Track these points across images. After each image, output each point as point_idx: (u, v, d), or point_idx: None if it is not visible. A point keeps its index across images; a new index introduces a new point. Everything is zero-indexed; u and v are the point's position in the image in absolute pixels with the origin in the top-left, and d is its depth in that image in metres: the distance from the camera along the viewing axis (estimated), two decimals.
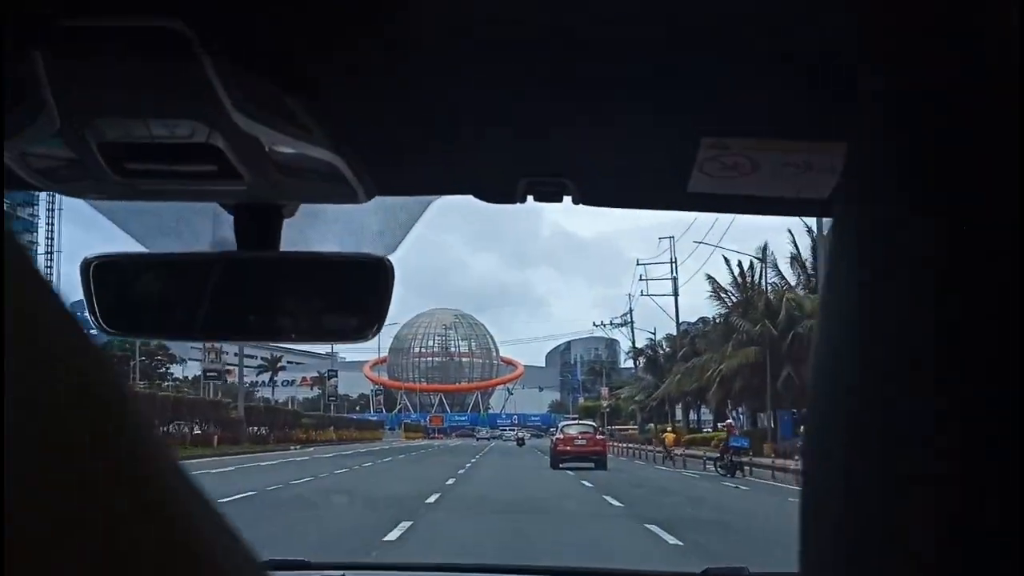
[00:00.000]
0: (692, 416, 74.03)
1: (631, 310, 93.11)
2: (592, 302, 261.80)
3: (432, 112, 0.97)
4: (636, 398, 74.69)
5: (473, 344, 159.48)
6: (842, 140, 0.85)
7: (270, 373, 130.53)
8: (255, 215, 1.13)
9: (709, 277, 49.57)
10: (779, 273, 46.62)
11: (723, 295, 49.31)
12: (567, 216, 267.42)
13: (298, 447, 60.37)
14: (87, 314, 1.08)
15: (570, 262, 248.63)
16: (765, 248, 45.85)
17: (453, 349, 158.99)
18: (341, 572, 1.98)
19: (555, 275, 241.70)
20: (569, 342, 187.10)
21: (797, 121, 0.97)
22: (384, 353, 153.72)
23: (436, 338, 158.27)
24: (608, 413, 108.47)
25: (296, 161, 0.96)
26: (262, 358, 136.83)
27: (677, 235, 75.08)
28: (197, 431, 51.06)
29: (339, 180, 1.00)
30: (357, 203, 1.05)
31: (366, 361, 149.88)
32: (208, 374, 60.27)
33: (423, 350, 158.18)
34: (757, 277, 47.93)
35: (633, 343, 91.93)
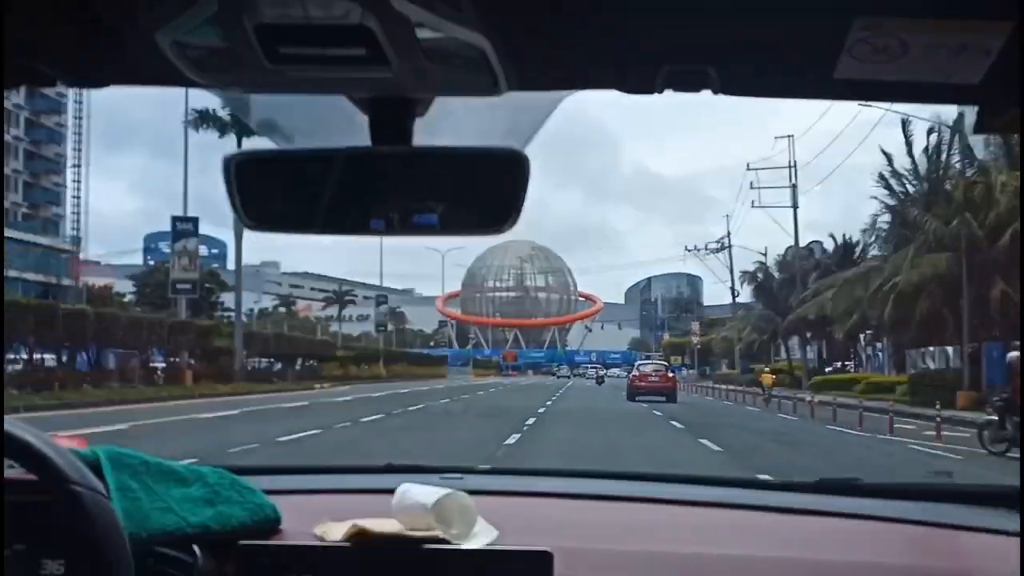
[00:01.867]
0: (809, 354, 60.05)
1: (728, 234, 78.95)
2: (673, 240, 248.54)
3: None
4: (742, 334, 60.56)
5: (550, 278, 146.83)
6: (1003, 19, 0.89)
7: (337, 306, 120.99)
8: (391, 108, 1.11)
9: (884, 152, 34.75)
10: (971, 154, 32.12)
11: (896, 181, 34.54)
12: (649, 153, 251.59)
13: (327, 385, 48.07)
14: (231, 209, 1.14)
15: (650, 200, 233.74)
16: (961, 117, 31.04)
17: (529, 283, 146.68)
18: (460, 475, 1.94)
19: (634, 213, 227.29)
20: (650, 278, 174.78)
21: (953, 2, 0.92)
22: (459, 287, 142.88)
23: (511, 271, 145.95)
24: (699, 351, 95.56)
25: (444, 46, 0.93)
26: (331, 291, 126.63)
27: (760, 174, 60.06)
28: (161, 364, 38.77)
29: (482, 68, 0.97)
30: (497, 94, 1.04)
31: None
32: (179, 286, 44.85)
33: (497, 284, 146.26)
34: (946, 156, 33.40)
35: (731, 270, 77.78)
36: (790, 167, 54.90)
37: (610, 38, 0.99)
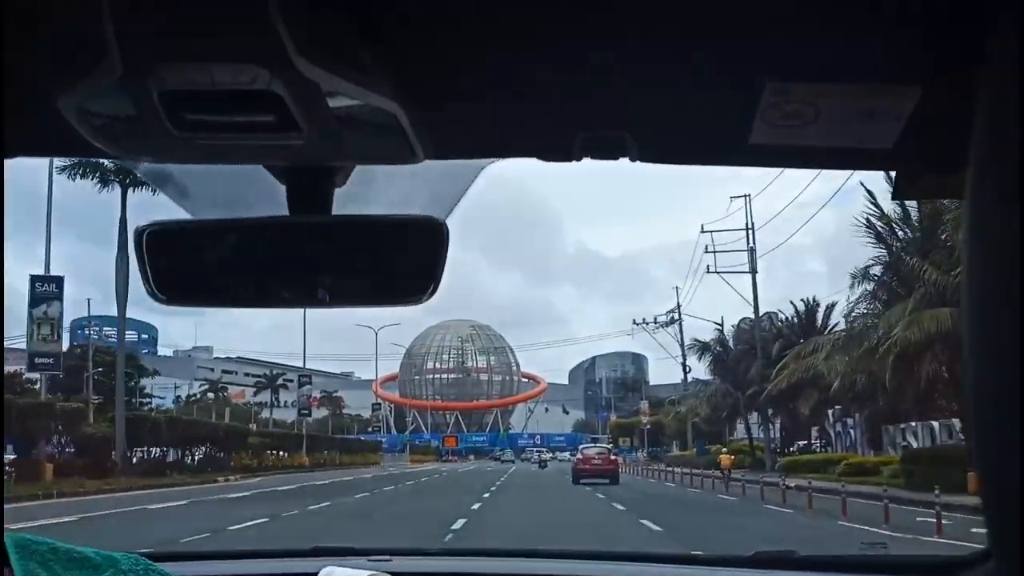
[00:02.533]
0: (768, 431, 54.90)
1: (679, 306, 74.24)
2: (616, 319, 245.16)
3: (491, 62, 0.93)
4: (699, 411, 55.11)
5: (492, 358, 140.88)
6: (913, 84, 0.91)
7: (269, 391, 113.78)
8: (308, 178, 1.10)
9: (868, 192, 29.64)
10: None
11: (885, 227, 29.52)
12: (590, 233, 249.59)
13: (234, 478, 41.31)
14: (141, 281, 1.12)
15: (592, 279, 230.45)
16: None
17: (470, 363, 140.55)
18: (388, 557, 1.93)
19: (576, 292, 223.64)
20: (594, 358, 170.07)
21: (863, 64, 0.92)
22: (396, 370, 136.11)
23: (451, 352, 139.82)
24: (648, 431, 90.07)
25: (356, 112, 0.91)
26: (258, 375, 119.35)
27: (693, 258, 55.65)
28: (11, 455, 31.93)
29: (397, 135, 0.95)
30: (414, 162, 1.02)
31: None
32: (37, 361, 35.27)
33: (437, 365, 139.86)
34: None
35: (682, 344, 72.81)
36: (747, 229, 50.21)
37: (525, 104, 0.98)
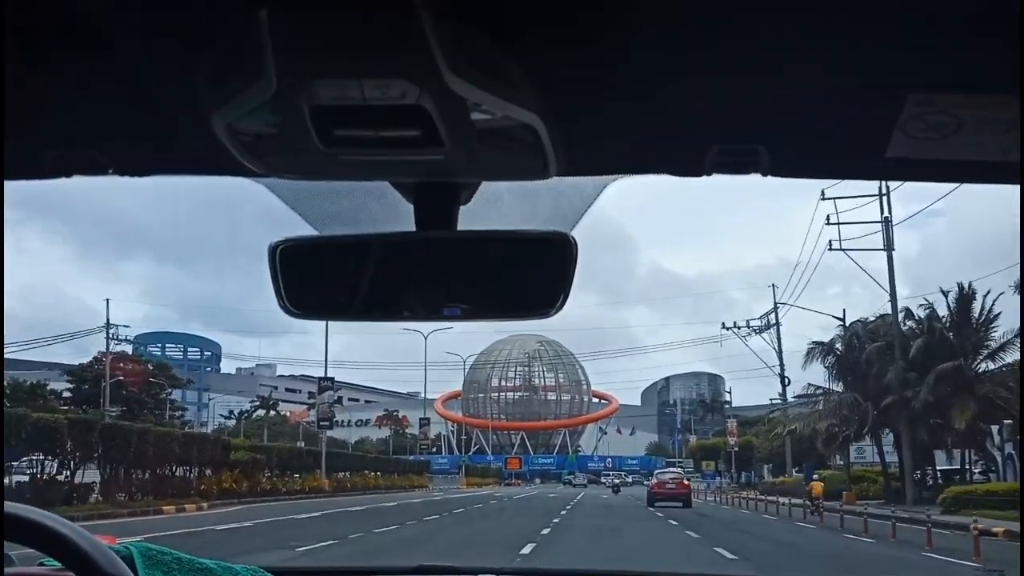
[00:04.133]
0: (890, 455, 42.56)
1: (776, 307, 62.09)
2: (691, 341, 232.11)
3: (631, 77, 0.92)
4: (818, 427, 42.75)
5: (560, 376, 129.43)
6: None
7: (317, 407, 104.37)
8: (436, 194, 1.10)
9: None
10: None
11: None
12: (665, 255, 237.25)
13: (195, 507, 30.31)
14: (275, 295, 1.14)
15: (666, 302, 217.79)
16: None
17: (537, 382, 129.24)
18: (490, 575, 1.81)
19: (650, 314, 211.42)
20: (667, 378, 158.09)
21: (1007, 74, 0.88)
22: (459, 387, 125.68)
23: (518, 369, 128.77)
24: (736, 454, 77.74)
25: (498, 127, 0.91)
26: (290, 390, 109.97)
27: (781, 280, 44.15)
28: None
29: (534, 150, 0.95)
30: (546, 178, 1.02)
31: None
32: None
33: (503, 383, 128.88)
34: None
35: (779, 352, 60.59)
36: (880, 195, 38.22)
37: (661, 120, 0.97)
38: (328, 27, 0.78)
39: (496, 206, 1.14)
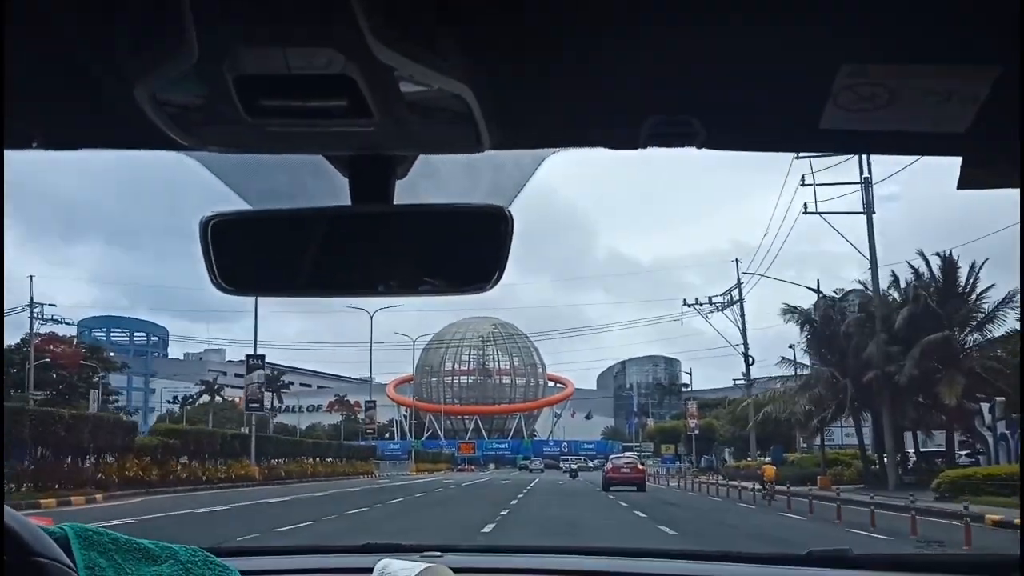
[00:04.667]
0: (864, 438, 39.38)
1: (740, 283, 58.73)
2: (647, 325, 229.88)
3: (563, 48, 0.92)
4: (792, 408, 39.16)
5: (515, 359, 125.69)
6: (991, 64, 0.88)
7: (272, 392, 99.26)
8: (371, 168, 1.10)
9: None
10: None
11: None
12: (623, 239, 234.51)
13: (96, 496, 26.04)
14: (206, 272, 1.12)
15: (623, 285, 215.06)
16: None
17: (491, 365, 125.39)
18: (439, 553, 1.90)
19: (606, 298, 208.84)
20: (623, 362, 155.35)
21: (941, 45, 0.89)
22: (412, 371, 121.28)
23: (471, 352, 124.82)
24: (696, 437, 74.52)
25: (427, 98, 0.91)
26: (237, 374, 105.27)
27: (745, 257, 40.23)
28: None
29: (465, 123, 0.95)
30: (480, 151, 1.01)
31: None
32: None
33: (456, 366, 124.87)
34: None
35: (743, 330, 57.34)
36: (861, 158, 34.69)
37: (594, 93, 0.97)
38: None
39: (433, 180, 1.13)
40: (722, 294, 58.95)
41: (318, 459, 55.11)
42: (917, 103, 0.93)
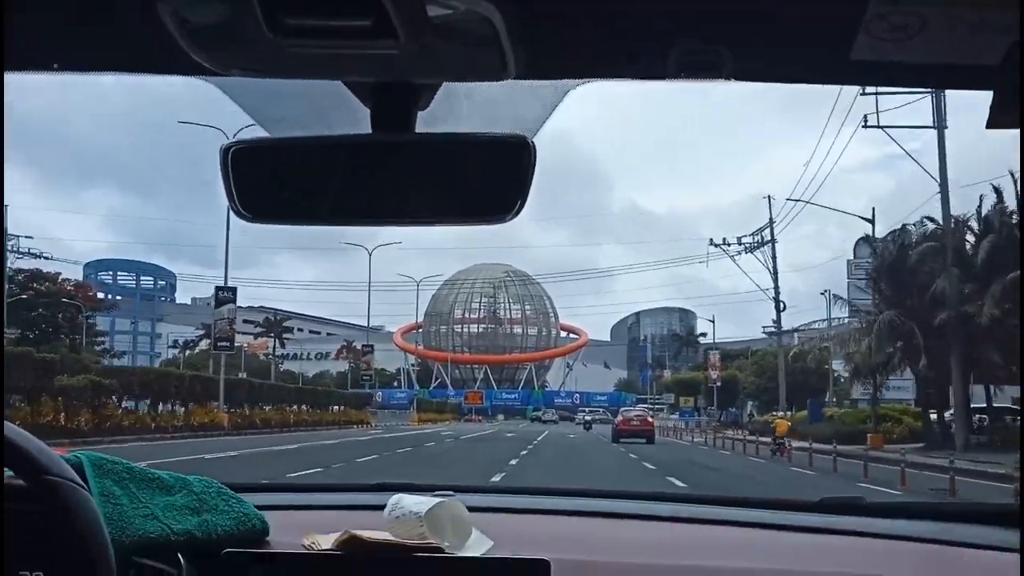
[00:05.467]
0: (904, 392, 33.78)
1: (772, 221, 52.93)
2: (662, 279, 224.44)
3: None
4: (852, 354, 33.40)
5: (527, 307, 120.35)
6: None
7: (273, 336, 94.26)
8: (393, 97, 1.09)
9: None
10: None
11: None
12: (638, 191, 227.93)
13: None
14: (226, 199, 1.12)
15: (639, 238, 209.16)
16: None
17: (502, 313, 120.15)
18: (451, 492, 1.85)
19: (623, 251, 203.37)
20: (638, 313, 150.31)
21: None
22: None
23: (482, 299, 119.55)
24: (718, 389, 69.32)
25: (452, 20, 0.89)
26: (257, 323, 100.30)
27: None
28: None
29: (492, 47, 0.93)
30: (505, 78, 0.99)
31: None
32: None
33: (466, 314, 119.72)
34: None
35: (775, 272, 51.68)
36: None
37: (622, 18, 0.94)
38: None
39: (454, 111, 1.11)
40: (751, 234, 53.26)
41: (304, 406, 50.00)
42: (949, 33, 0.89)
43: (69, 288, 65.77)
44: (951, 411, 31.76)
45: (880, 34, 0.90)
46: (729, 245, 52.73)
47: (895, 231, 32.50)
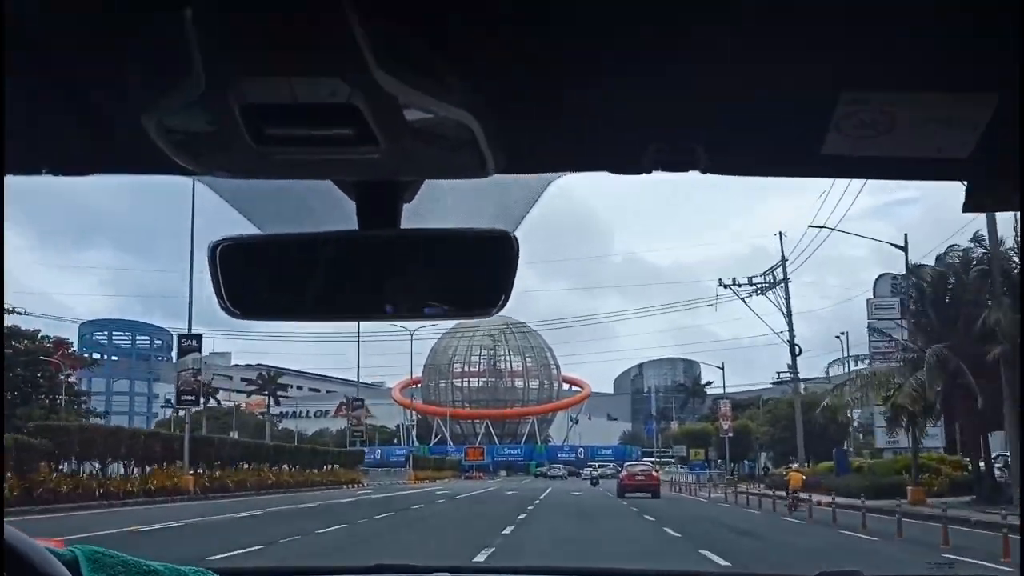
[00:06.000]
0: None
1: (784, 259, 49.59)
2: (664, 331, 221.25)
3: (565, 75, 0.92)
4: (892, 395, 29.60)
5: (528, 360, 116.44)
6: (990, 91, 0.90)
7: (267, 394, 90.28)
8: (378, 192, 1.10)
9: None
10: None
11: None
12: (640, 243, 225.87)
13: None
14: (215, 296, 1.12)
15: (641, 292, 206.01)
16: None
17: (503, 366, 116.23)
18: (450, 574, 1.91)
19: (625, 302, 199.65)
20: (641, 365, 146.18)
21: (941, 72, 0.90)
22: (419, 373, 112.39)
23: (482, 352, 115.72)
24: (730, 440, 65.21)
25: (431, 125, 0.90)
26: (243, 379, 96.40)
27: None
28: None
29: (470, 148, 0.94)
30: (485, 176, 1.00)
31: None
32: None
33: (466, 368, 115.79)
34: None
35: (788, 313, 48.33)
36: None
37: (597, 119, 0.97)
38: (254, 26, 0.78)
39: (440, 204, 1.12)
40: (762, 274, 49.84)
41: (286, 466, 46.04)
42: (917, 130, 0.92)
43: (47, 345, 62.34)
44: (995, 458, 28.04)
45: (850, 131, 0.93)
46: (739, 286, 49.35)
47: (941, 255, 28.99)
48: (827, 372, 43.68)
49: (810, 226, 44.09)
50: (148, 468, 31.03)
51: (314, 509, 27.53)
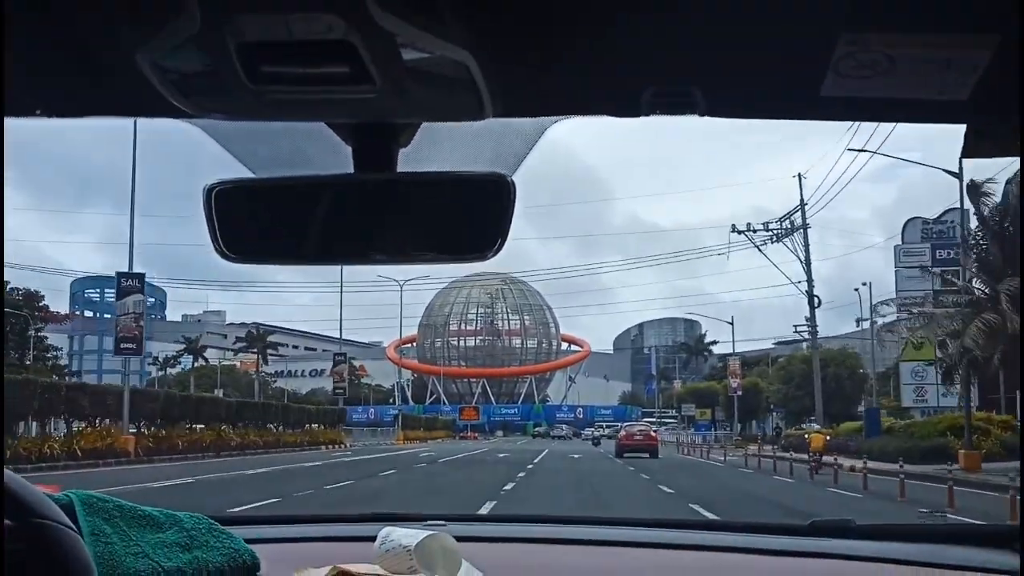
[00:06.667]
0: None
1: (803, 203, 45.04)
2: (663, 290, 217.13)
3: (562, 15, 0.91)
4: (946, 347, 25.22)
5: (526, 318, 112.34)
6: (988, 33, 0.87)
7: (256, 352, 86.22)
8: (374, 136, 1.10)
9: None
10: None
11: None
12: (641, 204, 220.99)
13: None
14: (210, 239, 1.11)
15: (641, 252, 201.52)
16: None
17: (501, 325, 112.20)
18: (443, 523, 1.93)
19: (625, 263, 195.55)
20: (641, 324, 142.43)
21: (941, 13, 0.88)
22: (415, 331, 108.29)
23: (479, 310, 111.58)
24: (739, 398, 61.05)
25: (428, 65, 0.89)
26: (238, 337, 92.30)
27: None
28: None
29: (468, 90, 0.93)
30: (482, 119, 1.00)
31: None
32: None
33: (462, 326, 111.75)
34: None
35: (807, 261, 43.87)
36: None
37: (595, 60, 0.96)
38: None
39: (437, 148, 1.12)
40: (779, 219, 45.29)
41: (253, 424, 41.68)
42: (917, 72, 0.91)
43: (17, 298, 58.11)
44: None
45: (849, 72, 0.92)
46: (755, 232, 44.79)
47: (1012, 176, 24.41)
48: (872, 313, 39.01)
49: (849, 149, 39.35)
50: (74, 427, 26.96)
51: (274, 473, 23.50)
